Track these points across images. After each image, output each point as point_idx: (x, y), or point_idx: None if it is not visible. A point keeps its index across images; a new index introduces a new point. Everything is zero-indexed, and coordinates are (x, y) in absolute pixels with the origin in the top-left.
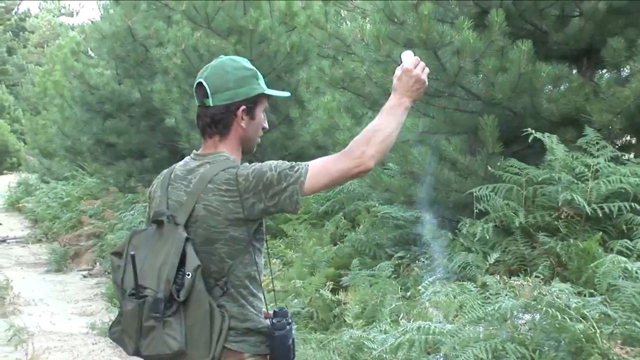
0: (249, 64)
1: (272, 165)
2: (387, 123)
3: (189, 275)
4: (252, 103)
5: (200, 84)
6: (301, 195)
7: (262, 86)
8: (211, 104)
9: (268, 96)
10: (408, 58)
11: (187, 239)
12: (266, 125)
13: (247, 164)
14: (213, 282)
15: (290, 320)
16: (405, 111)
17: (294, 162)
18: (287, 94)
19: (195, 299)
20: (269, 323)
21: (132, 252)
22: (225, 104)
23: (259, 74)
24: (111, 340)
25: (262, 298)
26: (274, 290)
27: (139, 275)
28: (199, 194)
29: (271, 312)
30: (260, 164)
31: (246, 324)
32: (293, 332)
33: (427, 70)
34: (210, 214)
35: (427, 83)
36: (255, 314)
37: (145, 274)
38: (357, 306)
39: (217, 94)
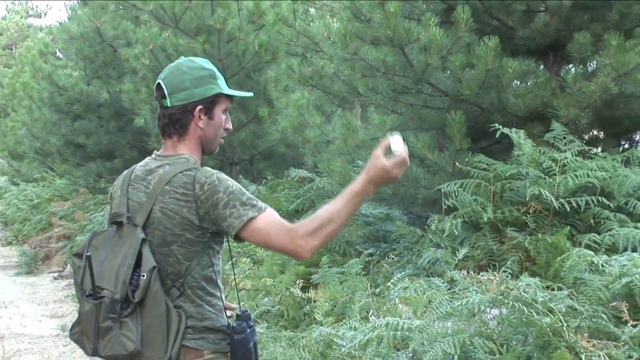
0: (207, 64)
1: (229, 189)
2: (344, 215)
3: (144, 276)
4: (209, 103)
5: (159, 84)
6: (232, 237)
7: (221, 86)
8: (169, 104)
9: (229, 97)
10: (397, 146)
11: (143, 240)
12: (229, 125)
13: (207, 169)
14: (170, 283)
15: (251, 324)
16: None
17: (251, 197)
18: (249, 94)
19: (151, 300)
20: (230, 326)
21: (88, 253)
22: (182, 104)
23: (218, 74)
24: None
25: (222, 297)
26: (237, 289)
27: (98, 276)
28: (157, 196)
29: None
30: (220, 177)
31: (204, 323)
32: (255, 335)
33: (402, 158)
34: (166, 216)
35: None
36: (214, 313)
37: (104, 275)
38: (327, 304)
39: (174, 94)
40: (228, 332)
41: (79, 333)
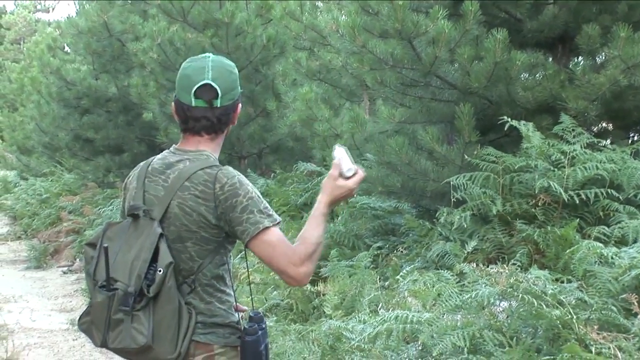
0: None
1: (248, 194)
2: (323, 236)
3: (160, 271)
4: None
5: (208, 85)
6: (244, 242)
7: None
8: (219, 105)
9: None
10: (344, 162)
11: (161, 235)
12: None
13: (230, 169)
14: (182, 279)
15: (263, 326)
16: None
17: (267, 207)
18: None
19: (165, 296)
20: (242, 328)
21: (106, 244)
22: (229, 104)
23: None
24: None
25: (233, 294)
26: (249, 284)
27: (111, 268)
28: (176, 191)
29: (248, 308)
30: (241, 180)
31: (214, 319)
32: (267, 337)
33: (361, 175)
34: (183, 212)
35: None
36: (224, 310)
37: (118, 267)
38: (336, 297)
39: (226, 94)
40: (238, 327)
41: (88, 323)
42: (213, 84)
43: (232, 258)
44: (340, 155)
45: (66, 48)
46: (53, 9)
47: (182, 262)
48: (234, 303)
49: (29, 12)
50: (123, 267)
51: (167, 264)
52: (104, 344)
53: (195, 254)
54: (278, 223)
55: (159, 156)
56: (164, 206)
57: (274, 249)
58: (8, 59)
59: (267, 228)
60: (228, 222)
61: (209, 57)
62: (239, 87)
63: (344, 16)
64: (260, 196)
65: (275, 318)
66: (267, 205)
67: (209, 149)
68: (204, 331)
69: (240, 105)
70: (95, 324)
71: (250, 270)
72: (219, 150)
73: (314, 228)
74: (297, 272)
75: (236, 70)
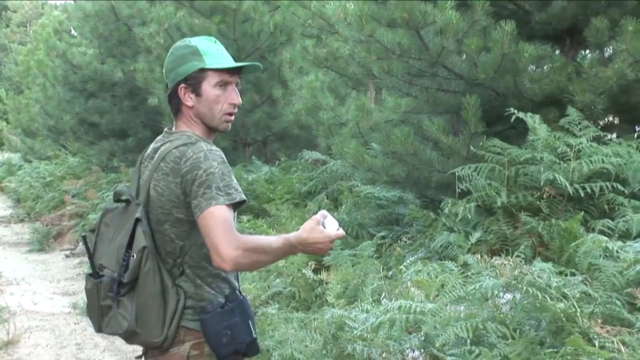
0: (196, 41)
1: (210, 169)
2: (274, 256)
3: (133, 256)
4: (193, 80)
5: None
6: (196, 218)
7: (206, 61)
8: (168, 86)
9: (224, 70)
10: (329, 218)
11: (137, 220)
12: (234, 100)
13: (201, 145)
14: (172, 262)
15: (231, 305)
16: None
17: (229, 185)
18: (235, 63)
19: (143, 280)
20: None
21: (84, 234)
22: (173, 85)
23: (204, 49)
24: None
25: (228, 278)
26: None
27: (105, 255)
28: (153, 174)
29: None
30: (207, 155)
31: (202, 304)
32: (234, 317)
33: (342, 233)
34: (157, 194)
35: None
36: (213, 294)
37: (107, 254)
38: (339, 286)
39: (167, 77)
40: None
41: (89, 310)
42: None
43: None
44: (325, 214)
45: (73, 31)
46: None
47: (167, 245)
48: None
49: None
50: (110, 254)
51: (141, 249)
52: (99, 330)
53: (175, 236)
54: (238, 203)
55: (155, 140)
56: (146, 190)
57: (215, 223)
58: (14, 42)
59: (217, 205)
60: (188, 196)
61: None
62: (184, 69)
63: (352, 4)
64: (226, 174)
65: (277, 306)
66: (232, 184)
67: (189, 129)
68: (193, 317)
69: (185, 89)
70: (91, 311)
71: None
72: (200, 129)
73: (274, 241)
74: (227, 252)
75: (180, 50)
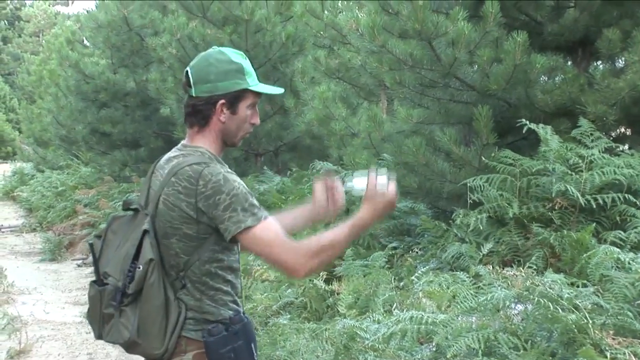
0: (237, 58)
1: (233, 191)
2: (344, 243)
3: (139, 268)
4: (233, 98)
5: (187, 72)
6: (227, 241)
7: (249, 81)
8: (193, 94)
9: (257, 93)
10: (382, 180)
11: (145, 231)
12: (256, 120)
13: (217, 167)
14: (175, 274)
15: (236, 328)
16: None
17: (253, 204)
18: (278, 90)
19: (147, 292)
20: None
21: (91, 241)
22: (206, 96)
23: (248, 69)
24: None
25: (230, 291)
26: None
27: (110, 263)
28: (164, 187)
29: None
30: (226, 177)
31: (204, 316)
32: (238, 340)
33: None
34: (167, 208)
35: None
36: (215, 307)
37: (112, 262)
38: (350, 296)
39: (198, 85)
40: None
41: (90, 316)
42: (189, 70)
43: (238, 255)
44: (360, 176)
45: (85, 41)
46: (72, 2)
47: (171, 258)
48: (236, 297)
49: (49, 5)
50: (115, 262)
51: (147, 261)
52: (100, 337)
53: (180, 251)
54: (264, 219)
55: (169, 151)
56: (155, 201)
57: (268, 244)
58: (27, 51)
59: (250, 227)
60: (212, 219)
61: (212, 48)
62: (227, 85)
63: (364, 15)
64: (247, 193)
65: (289, 316)
66: (254, 202)
67: (204, 145)
68: (195, 327)
69: (224, 106)
70: (92, 317)
71: (264, 267)
72: (217, 144)
73: (338, 231)
74: (296, 263)
75: (224, 65)
